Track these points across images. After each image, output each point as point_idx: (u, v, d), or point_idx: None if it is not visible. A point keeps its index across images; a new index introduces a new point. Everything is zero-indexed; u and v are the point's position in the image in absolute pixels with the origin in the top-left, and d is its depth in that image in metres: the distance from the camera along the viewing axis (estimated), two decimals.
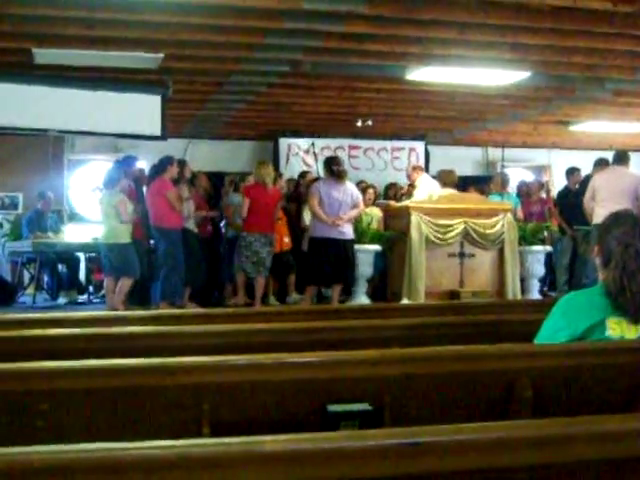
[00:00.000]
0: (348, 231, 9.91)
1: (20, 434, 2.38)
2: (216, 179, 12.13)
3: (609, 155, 10.45)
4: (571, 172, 12.47)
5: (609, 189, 9.34)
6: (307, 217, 11.09)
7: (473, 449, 1.73)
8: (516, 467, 1.77)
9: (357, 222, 10.17)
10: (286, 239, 11.10)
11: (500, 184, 12.43)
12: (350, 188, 10.04)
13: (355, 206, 9.93)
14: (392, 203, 11.52)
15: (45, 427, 2.40)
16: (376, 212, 11.23)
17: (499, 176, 13.00)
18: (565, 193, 12.38)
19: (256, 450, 1.50)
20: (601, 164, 10.53)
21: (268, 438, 1.52)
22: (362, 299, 10.29)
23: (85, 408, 2.48)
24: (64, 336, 3.75)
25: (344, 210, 9.81)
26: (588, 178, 10.67)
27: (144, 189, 10.68)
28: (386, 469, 1.59)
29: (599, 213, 8.91)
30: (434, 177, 11.63)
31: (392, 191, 13.05)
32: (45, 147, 13.36)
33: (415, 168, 11.74)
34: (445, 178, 10.81)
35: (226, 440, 1.57)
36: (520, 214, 11.92)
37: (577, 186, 11.82)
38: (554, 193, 13.45)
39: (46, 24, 7.92)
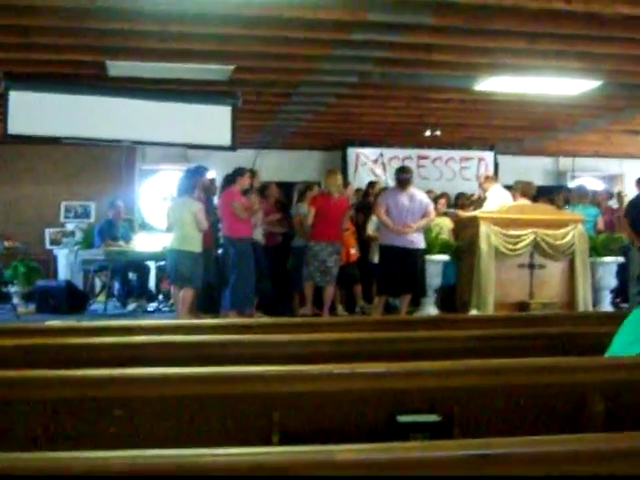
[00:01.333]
0: (417, 240, 9.85)
1: (94, 439, 2.44)
2: (285, 189, 12.20)
3: None
4: None
5: None
6: (371, 227, 11.10)
7: (544, 462, 1.73)
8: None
9: (426, 232, 10.13)
10: (353, 250, 11.08)
11: (579, 196, 12.25)
12: (419, 196, 10.00)
13: (425, 215, 9.89)
14: (461, 212, 11.47)
15: (118, 433, 2.46)
16: (447, 222, 11.20)
17: (577, 188, 12.85)
18: (635, 203, 12.11)
19: (327, 459, 1.52)
20: None
21: (339, 447, 1.54)
22: (430, 310, 10.24)
23: (157, 415, 2.53)
24: (136, 344, 3.82)
25: (412, 218, 9.78)
26: None
27: (215, 199, 10.81)
28: None
29: None
30: (506, 187, 11.57)
31: (461, 201, 13.00)
32: (118, 157, 13.62)
33: (488, 178, 11.66)
34: (526, 189, 10.75)
35: (298, 449, 1.59)
36: (601, 225, 11.76)
37: None
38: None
39: (120, 37, 8.09)
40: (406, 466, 1.55)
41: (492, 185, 11.33)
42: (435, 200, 11.39)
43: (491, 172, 14.83)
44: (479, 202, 11.70)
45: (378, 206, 10.05)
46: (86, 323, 5.64)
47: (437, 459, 1.58)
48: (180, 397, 2.54)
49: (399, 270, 9.74)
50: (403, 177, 10.03)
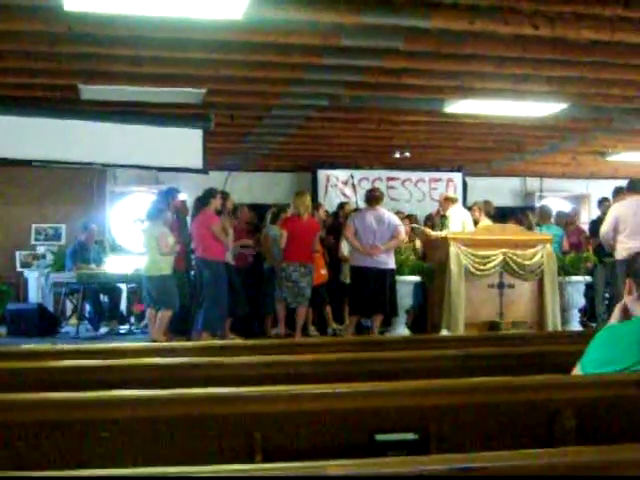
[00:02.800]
0: (386, 260, 9.96)
1: (81, 461, 2.48)
2: (256, 211, 12.27)
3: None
4: (603, 202, 12.41)
5: (634, 220, 8.99)
6: (345, 248, 11.18)
7: (520, 476, 1.80)
8: None
9: (396, 253, 10.23)
10: (322, 271, 11.15)
11: (543, 216, 12.40)
12: (388, 218, 10.12)
13: (394, 236, 9.99)
14: (427, 231, 11.57)
15: (105, 454, 2.50)
16: (415, 243, 11.34)
17: (541, 208, 13.01)
18: (597, 223, 12.26)
19: (318, 475, 1.58)
20: (620, 193, 10.25)
21: (330, 463, 1.61)
22: (402, 330, 10.33)
23: (142, 436, 2.57)
24: (114, 366, 3.86)
25: (381, 240, 9.90)
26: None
27: (188, 220, 10.85)
28: None
29: (629, 246, 8.74)
30: (468, 208, 11.77)
31: (430, 222, 13.12)
32: (89, 180, 13.61)
33: (447, 199, 11.77)
34: (488, 209, 10.95)
35: (289, 465, 1.65)
36: (566, 245, 11.93)
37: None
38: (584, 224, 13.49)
39: (93, 61, 8.14)
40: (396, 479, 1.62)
41: (452, 205, 11.47)
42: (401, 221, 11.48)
43: (459, 193, 15.03)
44: (440, 219, 11.80)
45: (346, 228, 10.22)
46: (62, 346, 5.65)
47: (419, 473, 1.65)
48: (164, 418, 2.58)
49: (370, 291, 9.85)
50: (371, 194, 10.24)
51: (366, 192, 10.66)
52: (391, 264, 10.02)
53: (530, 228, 11.74)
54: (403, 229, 10.31)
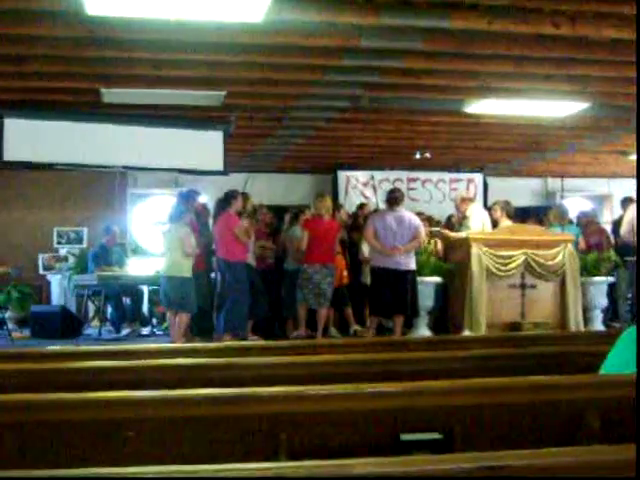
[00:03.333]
0: (406, 261, 9.92)
1: (108, 460, 2.50)
2: (276, 212, 12.28)
3: None
4: (626, 202, 12.32)
5: None
6: (366, 249, 11.17)
7: (544, 475, 1.80)
8: None
9: (417, 254, 10.21)
10: (344, 272, 11.14)
11: (559, 215, 12.33)
12: (409, 219, 10.08)
13: (415, 237, 9.97)
14: (447, 232, 11.53)
15: (131, 453, 2.52)
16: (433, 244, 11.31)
17: (557, 207, 12.92)
18: (619, 223, 12.18)
19: (345, 473, 1.59)
20: None
21: (356, 461, 1.61)
22: (423, 331, 10.29)
23: (168, 436, 2.60)
24: (138, 367, 3.89)
25: (401, 241, 9.88)
26: None
27: (210, 222, 10.87)
28: None
29: None
30: (489, 208, 11.72)
31: (450, 223, 13.08)
32: (111, 182, 13.67)
33: (464, 199, 11.70)
34: (509, 210, 10.89)
35: (316, 463, 1.66)
36: (582, 244, 11.85)
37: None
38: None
39: (114, 65, 8.19)
40: (418, 478, 1.63)
41: (471, 204, 11.43)
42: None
43: (479, 193, 14.99)
44: (461, 222, 11.77)
45: (366, 229, 10.20)
46: (87, 347, 5.69)
47: (453, 471, 1.66)
48: (189, 418, 2.60)
49: (390, 291, 9.83)
50: (392, 195, 10.20)
51: (387, 193, 10.62)
52: (412, 265, 9.99)
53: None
54: (424, 230, 10.28)
